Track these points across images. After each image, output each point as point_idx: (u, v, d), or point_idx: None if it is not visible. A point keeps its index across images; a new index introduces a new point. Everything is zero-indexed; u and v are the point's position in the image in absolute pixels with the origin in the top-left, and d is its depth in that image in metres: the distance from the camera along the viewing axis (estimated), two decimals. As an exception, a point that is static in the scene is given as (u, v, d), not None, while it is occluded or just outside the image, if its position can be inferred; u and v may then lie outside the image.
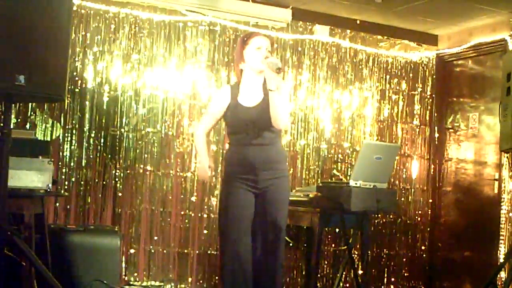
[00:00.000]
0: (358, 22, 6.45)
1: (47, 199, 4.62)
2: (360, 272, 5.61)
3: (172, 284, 5.68)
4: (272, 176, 4.08)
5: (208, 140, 4.31)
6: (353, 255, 5.62)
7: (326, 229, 6.07)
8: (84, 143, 5.47)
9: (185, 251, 5.74)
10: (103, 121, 5.53)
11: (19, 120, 5.21)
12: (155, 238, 5.65)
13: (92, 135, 5.49)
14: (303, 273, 6.17)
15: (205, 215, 5.81)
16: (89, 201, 5.46)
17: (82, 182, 5.45)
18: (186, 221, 5.75)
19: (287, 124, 4.52)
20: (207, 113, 4.31)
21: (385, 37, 6.66)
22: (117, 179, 5.56)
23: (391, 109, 6.68)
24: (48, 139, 5.27)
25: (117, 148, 5.58)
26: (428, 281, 6.74)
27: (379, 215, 6.39)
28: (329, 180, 5.83)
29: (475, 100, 6.56)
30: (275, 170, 4.10)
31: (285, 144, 6.14)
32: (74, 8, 5.23)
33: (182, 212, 5.75)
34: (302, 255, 6.15)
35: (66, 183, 5.38)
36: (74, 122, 5.44)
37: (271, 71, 3.97)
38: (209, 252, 5.80)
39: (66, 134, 5.41)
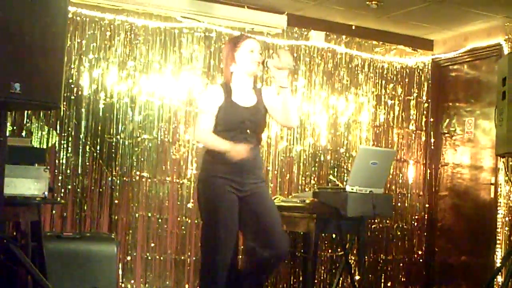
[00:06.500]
0: (353, 27, 6.46)
1: (43, 206, 4.60)
2: (357, 277, 5.60)
3: (169, 291, 5.68)
4: (256, 181, 4.08)
5: None
6: (350, 261, 5.61)
7: (323, 234, 6.06)
8: (80, 150, 5.45)
9: (182, 257, 5.73)
10: (99, 128, 5.52)
11: (15, 128, 5.20)
12: (152, 245, 5.64)
13: (88, 142, 5.48)
14: (300, 279, 6.16)
15: (201, 222, 5.78)
16: (85, 208, 5.45)
17: (78, 190, 5.43)
18: (183, 227, 5.74)
19: (297, 122, 4.46)
20: (205, 113, 4.07)
21: (381, 42, 6.67)
22: (113, 186, 5.54)
23: (387, 114, 6.68)
24: (44, 146, 5.26)
25: (113, 155, 5.56)
26: (425, 286, 6.74)
27: (376, 220, 6.39)
28: (326, 185, 5.83)
29: (470, 105, 6.57)
30: (257, 176, 4.11)
31: (281, 150, 6.15)
32: (70, 15, 5.24)
33: (179, 219, 5.73)
34: (298, 261, 6.14)
35: (62, 190, 5.37)
36: (70, 129, 5.43)
37: (278, 70, 3.99)
38: (206, 258, 5.78)
39: (62, 142, 5.40)
